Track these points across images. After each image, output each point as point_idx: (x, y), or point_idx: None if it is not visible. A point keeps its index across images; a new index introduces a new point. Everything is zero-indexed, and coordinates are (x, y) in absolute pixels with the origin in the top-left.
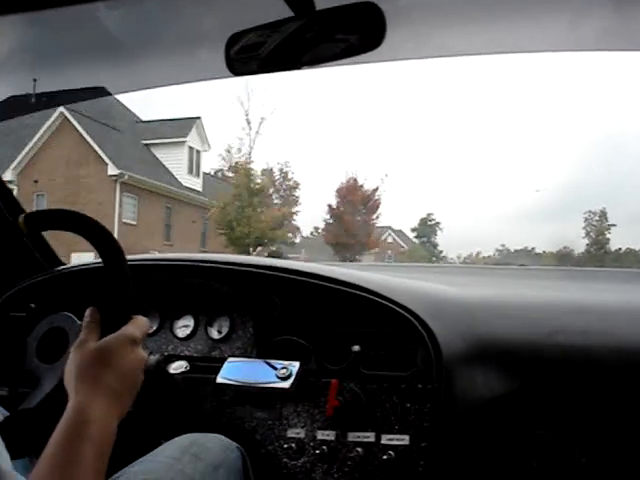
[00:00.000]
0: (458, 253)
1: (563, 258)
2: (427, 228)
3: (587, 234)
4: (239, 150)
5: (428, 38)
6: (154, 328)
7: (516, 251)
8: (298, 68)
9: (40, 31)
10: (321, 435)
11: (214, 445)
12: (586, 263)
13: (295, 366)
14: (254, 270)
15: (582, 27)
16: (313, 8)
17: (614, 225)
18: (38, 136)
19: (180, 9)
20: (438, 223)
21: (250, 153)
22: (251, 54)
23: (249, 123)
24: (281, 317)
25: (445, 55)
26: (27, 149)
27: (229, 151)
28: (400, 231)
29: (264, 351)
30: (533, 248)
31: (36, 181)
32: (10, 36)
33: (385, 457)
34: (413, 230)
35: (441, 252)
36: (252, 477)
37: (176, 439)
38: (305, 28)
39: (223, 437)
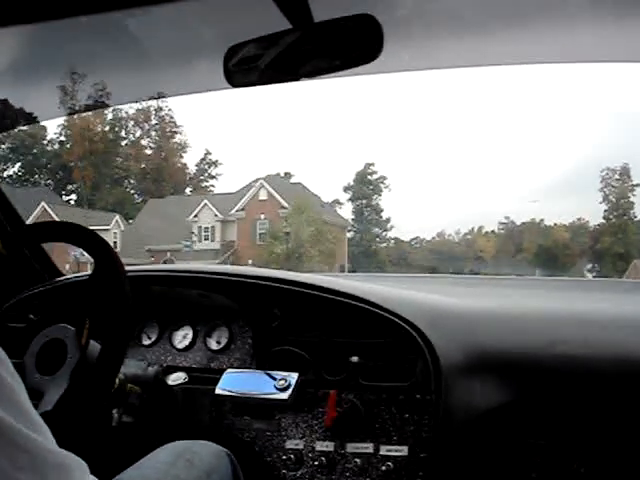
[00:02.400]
0: (456, 229)
1: (577, 230)
2: (364, 187)
3: (605, 198)
4: None
5: (426, 50)
6: (153, 339)
7: (523, 224)
8: (296, 80)
9: (40, 40)
10: (320, 446)
11: (205, 452)
12: (603, 234)
13: (294, 377)
14: (253, 281)
15: (583, 38)
16: (311, 20)
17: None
18: None
19: (178, 21)
20: (383, 178)
21: None
22: (249, 66)
23: None
24: (280, 328)
25: (443, 67)
26: None
27: None
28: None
29: (263, 362)
30: (542, 220)
31: None
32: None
33: (384, 468)
34: (347, 189)
35: (388, 221)
36: None
37: (168, 445)
38: (303, 40)
39: (212, 444)
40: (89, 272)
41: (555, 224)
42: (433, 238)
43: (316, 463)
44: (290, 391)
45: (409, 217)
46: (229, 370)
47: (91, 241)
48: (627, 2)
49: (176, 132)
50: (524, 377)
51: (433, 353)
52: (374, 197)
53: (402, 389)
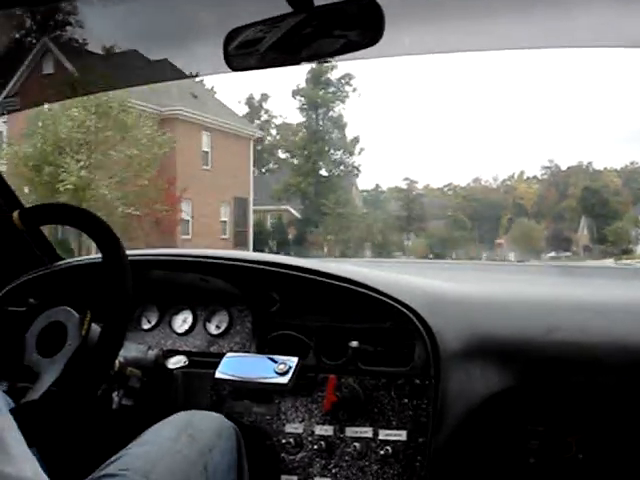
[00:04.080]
0: (494, 174)
1: (630, 175)
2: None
3: None
4: None
5: (427, 33)
6: (152, 323)
7: (569, 168)
8: (297, 64)
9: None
10: (319, 430)
11: (209, 425)
12: None
13: (293, 361)
14: (252, 265)
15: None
16: (312, 4)
17: None
18: None
19: (177, 4)
20: (349, 77)
21: None
22: (249, 50)
23: None
24: (280, 312)
25: (444, 51)
26: None
27: None
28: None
29: (262, 346)
30: (590, 163)
31: None
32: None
33: (382, 452)
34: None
35: (355, 142)
36: (245, 456)
37: (172, 418)
38: (304, 24)
39: (218, 415)
40: (89, 256)
41: (605, 168)
42: (468, 184)
43: (315, 447)
44: (290, 375)
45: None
46: (229, 354)
47: (92, 224)
48: None
49: None
50: (523, 363)
51: (432, 338)
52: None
53: (401, 374)
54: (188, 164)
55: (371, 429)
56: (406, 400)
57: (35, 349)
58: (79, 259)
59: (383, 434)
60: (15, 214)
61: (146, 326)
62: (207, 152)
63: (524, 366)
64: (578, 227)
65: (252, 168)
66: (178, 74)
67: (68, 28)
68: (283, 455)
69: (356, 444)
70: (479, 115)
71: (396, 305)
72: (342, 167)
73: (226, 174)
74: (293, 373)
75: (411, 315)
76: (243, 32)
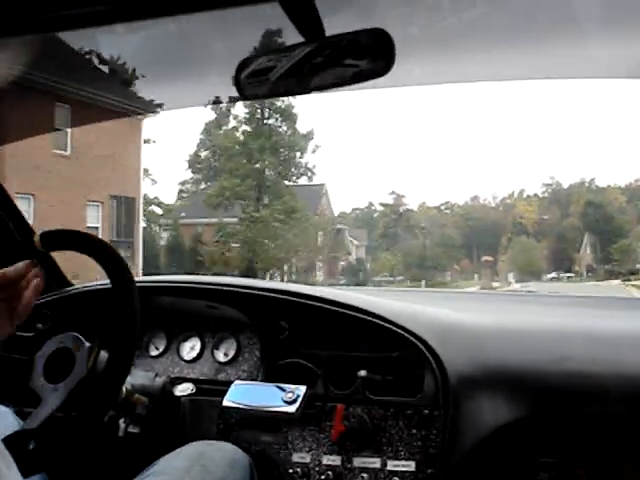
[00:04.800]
0: (493, 193)
1: (634, 192)
2: None
3: None
4: None
5: (437, 65)
6: (160, 350)
7: (571, 186)
8: (307, 93)
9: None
10: (327, 460)
11: (222, 456)
12: None
13: (301, 390)
14: (261, 293)
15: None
16: (323, 34)
17: None
18: None
19: (191, 34)
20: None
21: None
22: (260, 78)
23: None
24: (288, 340)
25: (454, 81)
26: None
27: None
28: None
29: (270, 374)
30: (593, 180)
31: None
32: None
33: None
34: None
35: (308, 137)
36: None
37: (184, 448)
38: (315, 53)
39: (232, 446)
40: (97, 282)
41: (609, 185)
42: (466, 203)
43: (323, 477)
44: (297, 404)
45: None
46: (237, 382)
47: (101, 251)
48: None
49: None
50: (533, 394)
51: (442, 368)
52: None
53: (410, 404)
54: (29, 146)
55: (379, 459)
56: (415, 430)
57: (42, 374)
58: (88, 285)
59: (391, 465)
60: (37, 237)
61: (154, 353)
62: (65, 132)
63: (534, 397)
64: (581, 246)
65: (142, 156)
66: (189, 102)
67: (80, 57)
68: None
69: (364, 475)
70: (477, 133)
71: (405, 334)
72: (293, 169)
73: (98, 164)
74: (301, 402)
75: (420, 345)
76: (255, 61)
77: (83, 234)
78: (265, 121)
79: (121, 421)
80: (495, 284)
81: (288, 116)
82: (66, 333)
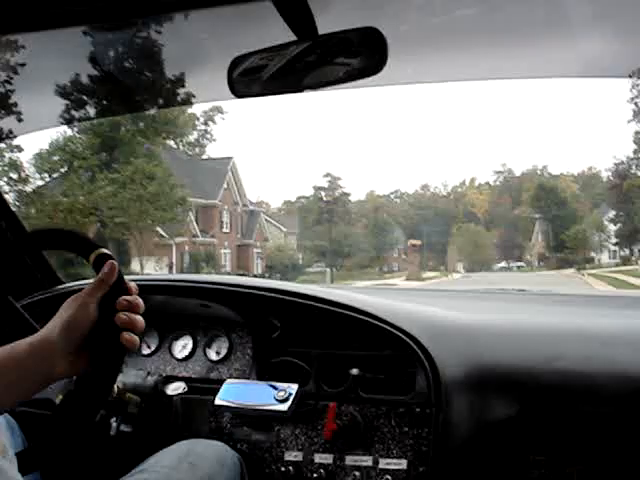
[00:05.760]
0: (444, 181)
1: (587, 180)
2: None
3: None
4: None
5: (429, 63)
6: (152, 348)
7: (523, 174)
8: (299, 91)
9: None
10: (319, 458)
11: (211, 453)
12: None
13: (293, 388)
14: (253, 292)
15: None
16: (316, 32)
17: None
18: None
19: (183, 32)
20: None
21: None
22: (253, 76)
23: None
24: (280, 339)
25: (446, 80)
26: None
27: None
28: None
29: (263, 373)
30: (545, 167)
31: None
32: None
33: None
34: None
35: None
36: None
37: (174, 446)
38: (307, 52)
39: (221, 444)
40: (87, 281)
41: (562, 173)
42: (416, 191)
43: (315, 475)
44: (289, 403)
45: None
46: (229, 380)
47: (93, 251)
48: None
49: None
50: (524, 392)
51: (433, 366)
52: None
53: (402, 402)
54: None
55: (371, 458)
56: (407, 428)
57: None
58: (80, 283)
59: (383, 463)
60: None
61: (146, 351)
62: None
63: (525, 395)
64: (532, 233)
65: None
66: (181, 100)
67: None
68: None
69: (356, 473)
70: (428, 121)
71: (397, 333)
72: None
73: None
74: (293, 400)
75: (412, 343)
76: (247, 59)
77: (72, 233)
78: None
79: (113, 420)
80: (431, 274)
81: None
82: None
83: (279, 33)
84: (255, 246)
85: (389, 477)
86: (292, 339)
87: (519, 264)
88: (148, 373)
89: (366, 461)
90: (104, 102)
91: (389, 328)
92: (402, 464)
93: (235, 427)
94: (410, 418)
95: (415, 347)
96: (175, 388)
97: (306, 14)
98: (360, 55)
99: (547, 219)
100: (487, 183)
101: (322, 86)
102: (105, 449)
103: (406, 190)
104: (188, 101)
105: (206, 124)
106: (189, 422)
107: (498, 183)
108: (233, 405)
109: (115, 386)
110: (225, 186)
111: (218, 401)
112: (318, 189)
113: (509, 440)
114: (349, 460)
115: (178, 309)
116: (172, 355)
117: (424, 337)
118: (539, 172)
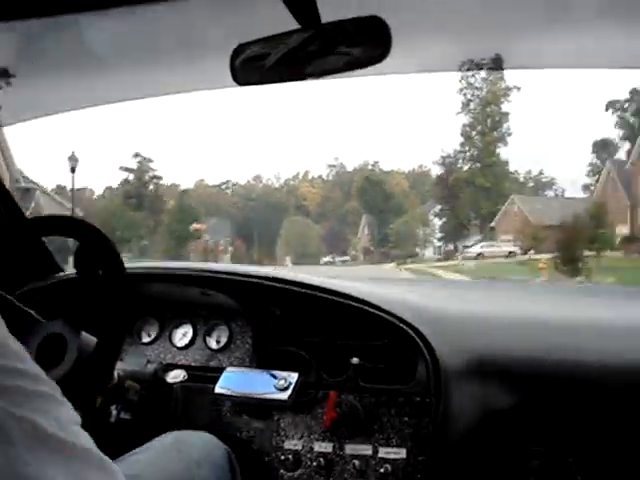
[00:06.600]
0: (277, 173)
1: (417, 178)
2: None
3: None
4: None
5: (432, 52)
6: (152, 336)
7: (355, 169)
8: (302, 79)
9: (40, 37)
10: (318, 447)
11: (198, 441)
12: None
13: (293, 377)
14: (254, 280)
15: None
16: (319, 21)
17: None
18: None
19: (186, 19)
20: None
21: None
22: (256, 65)
23: None
24: (280, 328)
25: (449, 70)
26: None
27: None
28: None
29: (263, 361)
30: (377, 163)
31: None
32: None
33: (382, 470)
34: None
35: None
36: (239, 474)
37: (161, 437)
38: (310, 40)
39: (209, 435)
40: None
41: (393, 170)
42: (248, 182)
43: (314, 464)
44: (290, 391)
45: None
46: (229, 369)
47: (93, 237)
48: None
49: None
50: (524, 383)
51: (433, 356)
52: None
53: (402, 392)
54: None
55: (371, 447)
56: (406, 418)
57: (34, 360)
58: None
59: (383, 452)
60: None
61: (146, 339)
62: None
63: (525, 385)
64: (359, 227)
65: None
66: (183, 88)
67: (75, 41)
68: (282, 472)
69: (355, 461)
70: (262, 112)
71: (397, 322)
72: None
73: None
74: (293, 389)
75: (412, 333)
76: (250, 47)
77: (74, 219)
78: None
79: (113, 407)
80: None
81: None
82: (58, 319)
83: (282, 21)
84: None
85: (388, 466)
86: (292, 328)
87: (344, 258)
88: (148, 361)
89: (365, 450)
90: None
91: (389, 318)
92: (401, 453)
93: (235, 415)
94: (410, 407)
95: (415, 337)
96: (175, 376)
97: (309, 2)
98: (363, 44)
99: (373, 213)
100: (320, 177)
101: (325, 74)
102: (105, 436)
103: (237, 181)
104: (188, 90)
105: None
106: (189, 410)
107: (331, 177)
108: (233, 393)
109: (115, 373)
110: None
111: (218, 389)
112: (126, 170)
113: (508, 430)
114: (349, 449)
115: (178, 297)
116: (172, 343)
117: (424, 327)
118: (370, 167)
